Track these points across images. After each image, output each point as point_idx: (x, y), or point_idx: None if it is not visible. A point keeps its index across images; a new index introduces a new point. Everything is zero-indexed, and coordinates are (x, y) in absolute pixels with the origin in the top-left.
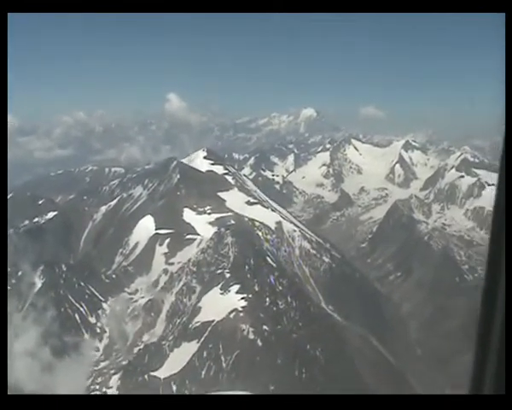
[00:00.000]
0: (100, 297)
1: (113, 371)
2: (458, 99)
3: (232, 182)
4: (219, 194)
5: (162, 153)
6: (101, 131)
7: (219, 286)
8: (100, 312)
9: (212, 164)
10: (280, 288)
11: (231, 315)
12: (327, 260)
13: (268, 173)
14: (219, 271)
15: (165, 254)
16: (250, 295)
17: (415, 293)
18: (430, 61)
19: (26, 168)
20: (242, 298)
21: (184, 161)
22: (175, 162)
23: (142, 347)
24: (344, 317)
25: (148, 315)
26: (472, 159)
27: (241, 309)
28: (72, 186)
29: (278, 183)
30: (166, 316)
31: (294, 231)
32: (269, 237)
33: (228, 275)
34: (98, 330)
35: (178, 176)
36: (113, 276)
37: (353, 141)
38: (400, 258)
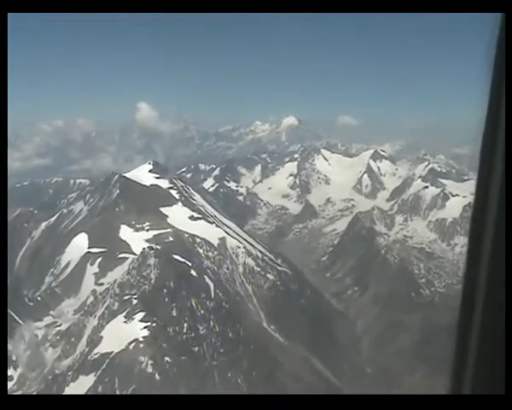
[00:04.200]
0: (19, 322)
1: None
2: (442, 107)
3: (177, 196)
4: (161, 209)
5: (135, 163)
6: (80, 141)
7: (124, 314)
8: (18, 338)
9: (157, 178)
10: (202, 311)
11: (131, 346)
12: (271, 277)
13: (232, 185)
14: (127, 296)
15: (96, 274)
16: (154, 324)
17: (370, 308)
18: (416, 66)
19: None
20: (145, 327)
21: (128, 175)
22: (116, 176)
23: (51, 377)
24: (286, 337)
25: (69, 341)
26: (439, 168)
27: (142, 339)
28: (34, 199)
29: (242, 194)
30: (87, 342)
31: (239, 247)
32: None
33: (135, 301)
34: (14, 358)
35: (118, 191)
36: (39, 298)
37: (323, 151)
38: (359, 272)
